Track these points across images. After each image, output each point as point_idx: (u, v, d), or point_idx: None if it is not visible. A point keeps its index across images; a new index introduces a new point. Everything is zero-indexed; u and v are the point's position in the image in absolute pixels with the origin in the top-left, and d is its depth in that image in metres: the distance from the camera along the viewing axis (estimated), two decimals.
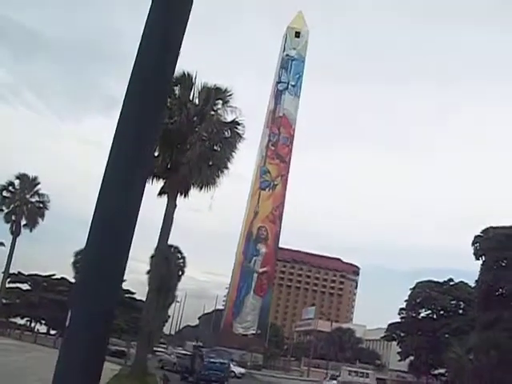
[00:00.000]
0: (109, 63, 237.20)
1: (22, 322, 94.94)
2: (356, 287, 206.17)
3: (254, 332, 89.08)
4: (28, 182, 68.47)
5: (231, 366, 66.17)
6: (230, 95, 35.26)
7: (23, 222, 67.55)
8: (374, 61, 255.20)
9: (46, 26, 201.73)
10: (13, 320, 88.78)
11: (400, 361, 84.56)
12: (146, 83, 2.98)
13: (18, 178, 68.34)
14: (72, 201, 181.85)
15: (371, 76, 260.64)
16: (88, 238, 2.85)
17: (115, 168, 2.90)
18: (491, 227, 57.82)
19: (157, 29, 3.07)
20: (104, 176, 2.90)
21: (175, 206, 34.51)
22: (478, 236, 58.07)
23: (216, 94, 35.15)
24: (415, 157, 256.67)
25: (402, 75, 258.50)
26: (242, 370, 62.98)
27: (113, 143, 2.94)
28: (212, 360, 41.17)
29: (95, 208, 2.87)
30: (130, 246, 2.91)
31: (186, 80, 34.61)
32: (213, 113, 35.48)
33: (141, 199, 2.96)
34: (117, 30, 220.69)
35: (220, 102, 35.47)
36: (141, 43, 3.05)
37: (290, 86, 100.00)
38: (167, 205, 34.32)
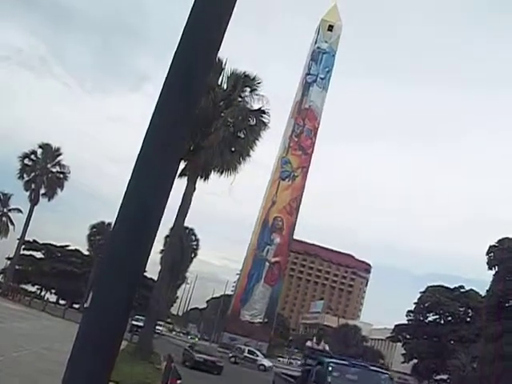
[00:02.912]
0: (141, 41, 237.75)
1: (33, 289, 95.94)
2: (366, 285, 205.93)
3: (260, 320, 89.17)
4: (50, 152, 68.94)
5: (259, 357, 59.15)
6: (258, 83, 35.23)
7: (42, 191, 68.17)
8: (403, 57, 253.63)
9: (80, 1, 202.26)
10: (24, 286, 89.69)
11: (403, 363, 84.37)
12: (189, 66, 3.00)
13: (40, 147, 68.87)
14: (91, 175, 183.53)
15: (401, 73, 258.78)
16: (117, 217, 2.87)
17: (151, 147, 2.92)
18: (507, 238, 57.33)
19: (203, 13, 3.10)
20: (139, 155, 2.92)
21: (194, 188, 34.60)
22: (493, 246, 57.65)
23: (244, 81, 35.10)
24: (437, 159, 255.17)
25: (429, 73, 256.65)
26: (270, 363, 57.65)
27: (151, 122, 2.97)
28: None
29: (128, 186, 2.89)
30: (157, 228, 2.93)
31: (216, 65, 34.56)
32: (240, 99, 35.45)
33: (173, 181, 3.00)
34: (149, 8, 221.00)
35: (248, 89, 35.42)
36: (185, 27, 3.07)
37: (318, 79, 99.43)
38: (186, 187, 34.40)
